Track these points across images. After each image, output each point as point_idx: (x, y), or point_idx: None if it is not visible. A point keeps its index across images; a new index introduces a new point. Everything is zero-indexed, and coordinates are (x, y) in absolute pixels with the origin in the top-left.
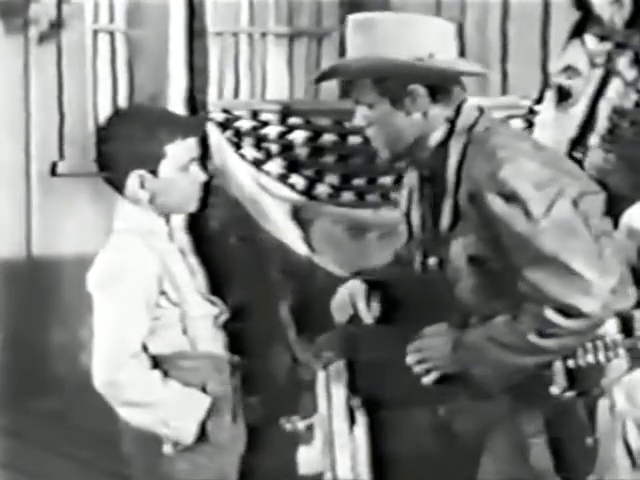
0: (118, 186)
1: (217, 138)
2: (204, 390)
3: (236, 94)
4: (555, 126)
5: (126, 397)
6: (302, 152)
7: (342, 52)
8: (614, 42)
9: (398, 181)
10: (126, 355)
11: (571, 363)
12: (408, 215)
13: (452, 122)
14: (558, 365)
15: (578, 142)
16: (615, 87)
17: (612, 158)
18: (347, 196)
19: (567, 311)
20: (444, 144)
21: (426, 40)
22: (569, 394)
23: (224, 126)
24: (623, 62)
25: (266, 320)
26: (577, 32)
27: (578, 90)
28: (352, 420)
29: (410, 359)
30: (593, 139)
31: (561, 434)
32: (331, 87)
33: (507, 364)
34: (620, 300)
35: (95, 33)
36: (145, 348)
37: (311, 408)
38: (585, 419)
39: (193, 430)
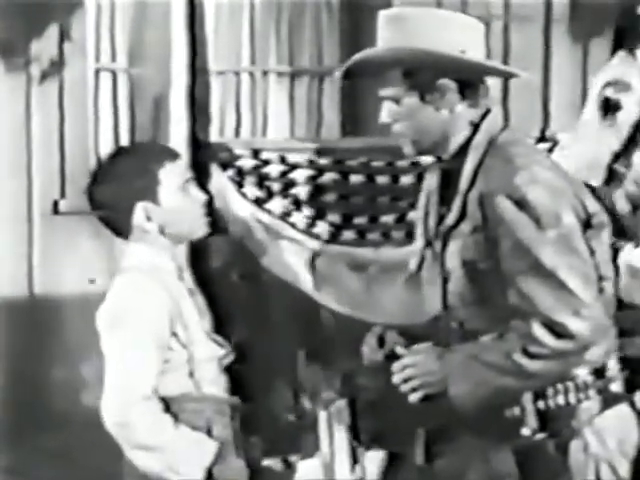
0: (115, 225)
1: (219, 177)
2: (209, 433)
3: (237, 132)
4: (597, 138)
5: (137, 440)
6: (303, 191)
7: (344, 90)
8: None
9: (400, 220)
10: (138, 397)
11: (542, 405)
12: (426, 218)
13: (476, 126)
14: (529, 407)
15: (621, 156)
16: None
17: None
18: (348, 235)
19: (554, 329)
20: (464, 148)
21: (458, 36)
22: (540, 436)
23: (226, 165)
24: None
25: (268, 359)
26: (621, 45)
27: (627, 104)
28: (354, 459)
29: (396, 378)
30: (637, 155)
31: (533, 475)
32: (333, 125)
33: (488, 384)
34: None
35: (97, 72)
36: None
37: (313, 447)
38: (557, 460)
39: (200, 477)
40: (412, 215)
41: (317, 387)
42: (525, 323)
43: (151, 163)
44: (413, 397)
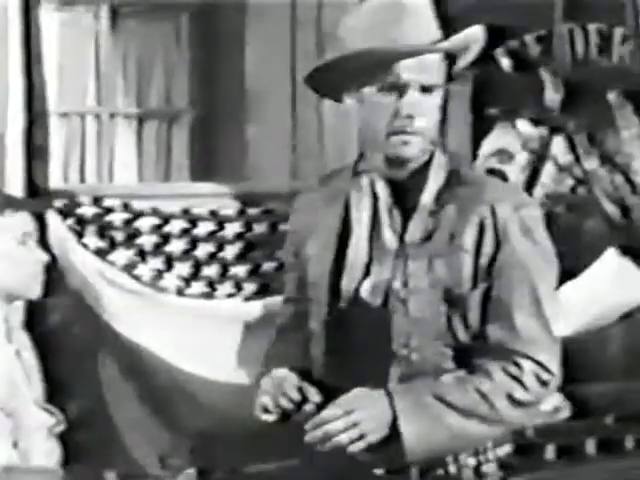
0: None
1: (57, 226)
2: None
3: (82, 178)
4: None
5: None
6: (149, 241)
7: (193, 134)
8: (549, 126)
9: (253, 272)
10: None
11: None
12: (372, 231)
13: None
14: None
15: None
16: (548, 172)
17: None
18: (197, 287)
19: (537, 372)
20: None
21: None
22: None
23: (65, 213)
24: (557, 147)
25: (113, 422)
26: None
27: (512, 174)
28: None
29: (338, 425)
30: None
31: None
32: (182, 169)
33: (447, 427)
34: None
35: None
36: None
37: None
38: None
39: None
40: (267, 266)
41: (165, 453)
42: (516, 367)
43: None
44: (355, 447)
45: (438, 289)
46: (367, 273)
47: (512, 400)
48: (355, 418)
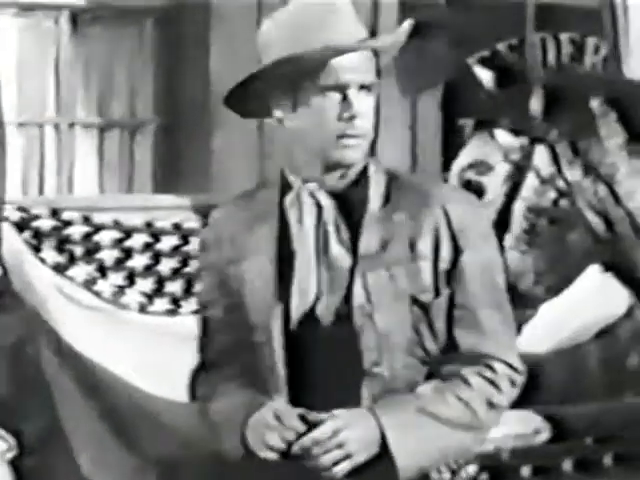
0: None
1: (12, 239)
2: None
3: (40, 190)
4: None
5: None
6: (109, 255)
7: (157, 144)
8: (530, 136)
9: None
10: None
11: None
12: (325, 247)
13: None
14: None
15: None
16: (530, 184)
17: (528, 259)
18: (160, 304)
19: (509, 374)
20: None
21: None
22: None
23: (21, 226)
24: (539, 157)
25: (67, 447)
26: (482, 124)
27: (491, 187)
28: None
29: (324, 446)
30: (508, 240)
31: None
32: (145, 181)
33: (437, 442)
34: None
35: None
36: None
37: None
38: None
39: None
40: None
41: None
42: (490, 371)
43: None
44: (339, 469)
45: (403, 299)
46: (318, 292)
47: (490, 405)
48: (343, 438)
